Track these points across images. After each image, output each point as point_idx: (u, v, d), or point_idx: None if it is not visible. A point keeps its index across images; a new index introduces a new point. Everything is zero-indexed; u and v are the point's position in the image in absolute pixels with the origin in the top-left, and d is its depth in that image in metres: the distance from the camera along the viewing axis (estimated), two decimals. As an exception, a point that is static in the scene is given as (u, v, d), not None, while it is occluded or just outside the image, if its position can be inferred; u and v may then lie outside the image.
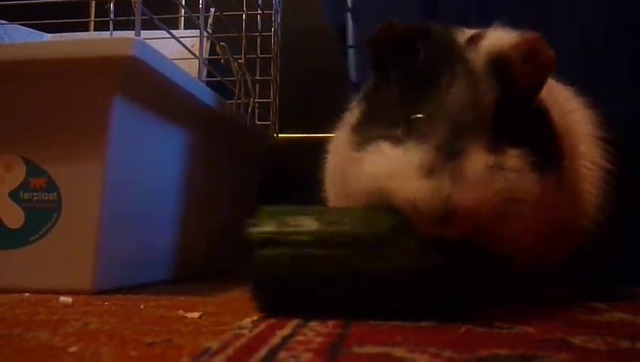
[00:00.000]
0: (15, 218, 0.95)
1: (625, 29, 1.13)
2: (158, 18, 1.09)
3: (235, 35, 1.51)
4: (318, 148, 0.98)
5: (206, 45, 1.57)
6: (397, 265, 0.67)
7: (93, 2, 1.81)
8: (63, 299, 0.82)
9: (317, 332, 0.58)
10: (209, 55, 1.64)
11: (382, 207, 0.69)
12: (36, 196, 0.95)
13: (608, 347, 0.54)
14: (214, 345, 0.51)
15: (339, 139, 0.85)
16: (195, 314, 0.70)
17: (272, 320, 0.65)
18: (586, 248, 0.85)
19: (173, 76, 1.03)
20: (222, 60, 1.34)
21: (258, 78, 1.62)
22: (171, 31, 1.19)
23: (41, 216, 0.94)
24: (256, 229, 0.70)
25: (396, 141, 0.69)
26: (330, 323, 0.64)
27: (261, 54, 1.65)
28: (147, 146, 1.06)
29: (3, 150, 0.96)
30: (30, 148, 0.95)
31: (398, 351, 0.49)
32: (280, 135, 1.67)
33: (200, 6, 1.29)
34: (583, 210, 0.85)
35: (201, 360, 0.45)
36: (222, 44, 1.32)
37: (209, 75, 1.48)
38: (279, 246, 0.69)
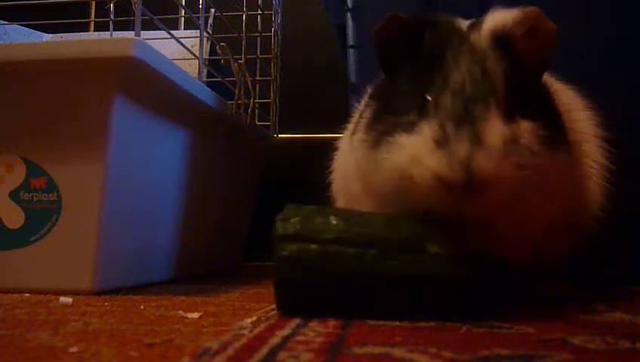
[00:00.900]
0: (15, 218, 0.96)
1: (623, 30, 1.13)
2: (158, 18, 1.09)
3: (235, 35, 1.52)
4: (319, 149, 0.98)
5: (206, 45, 1.58)
6: (421, 271, 0.67)
7: (94, 3, 1.81)
8: (63, 299, 0.82)
9: (317, 332, 0.58)
10: (209, 55, 1.64)
11: (405, 214, 0.70)
12: (36, 196, 0.95)
13: (608, 347, 0.54)
14: (215, 345, 0.51)
15: (351, 141, 0.84)
16: (196, 315, 0.70)
17: (272, 321, 0.65)
18: (588, 246, 0.85)
19: (174, 76, 1.03)
20: (222, 61, 1.34)
21: (258, 78, 1.62)
22: (171, 31, 1.19)
23: (41, 216, 0.94)
24: (281, 225, 0.70)
25: (410, 127, 0.69)
26: (331, 323, 0.64)
27: (261, 54, 1.65)
28: (147, 147, 1.06)
29: (3, 150, 0.96)
30: (30, 149, 0.96)
31: (399, 352, 0.49)
32: (280, 135, 1.67)
33: (200, 6, 1.29)
34: (585, 207, 0.85)
35: (201, 361, 0.45)
36: (222, 44, 1.32)
37: (209, 75, 1.48)
38: (305, 242, 0.69)
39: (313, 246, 0.68)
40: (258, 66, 1.65)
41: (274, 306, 0.73)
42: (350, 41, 1.29)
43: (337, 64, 1.52)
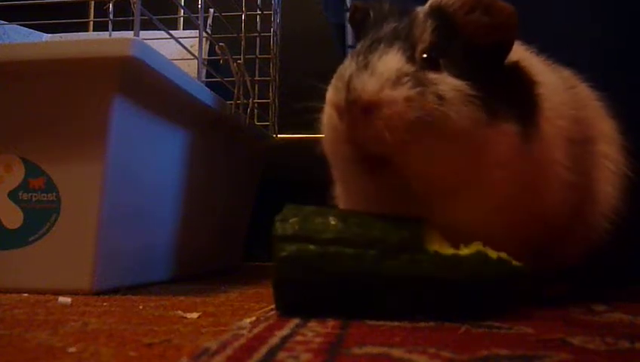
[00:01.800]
0: (14, 218, 0.95)
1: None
2: (157, 18, 1.09)
3: (235, 35, 1.52)
4: (318, 149, 0.98)
5: (205, 46, 1.58)
6: (420, 271, 0.68)
7: (93, 3, 1.81)
8: (61, 299, 0.82)
9: (316, 332, 0.58)
10: (208, 55, 1.64)
11: (405, 217, 0.71)
12: (35, 196, 0.95)
13: (607, 347, 0.54)
14: (213, 345, 0.51)
15: None
16: (195, 315, 0.70)
17: (271, 321, 0.65)
18: (601, 248, 0.85)
19: (173, 76, 1.03)
20: (221, 61, 1.34)
21: (257, 78, 1.62)
22: (170, 31, 1.19)
23: (40, 216, 0.94)
24: (280, 225, 0.70)
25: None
26: (330, 323, 0.64)
27: (260, 55, 1.65)
28: (146, 146, 1.06)
29: (2, 150, 0.96)
30: (29, 149, 0.95)
31: (397, 352, 0.49)
32: (279, 135, 1.67)
33: (199, 6, 1.29)
34: (600, 209, 0.86)
35: (200, 361, 0.45)
36: (221, 44, 1.32)
37: (208, 75, 1.48)
38: (304, 243, 0.69)
39: (312, 246, 0.68)
40: (257, 66, 1.64)
41: (273, 306, 0.73)
42: (349, 40, 1.29)
43: (337, 64, 1.51)
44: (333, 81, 0.72)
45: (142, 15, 1.01)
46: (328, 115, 0.72)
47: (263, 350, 0.49)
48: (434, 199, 0.72)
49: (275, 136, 1.65)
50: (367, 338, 0.56)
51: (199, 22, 1.28)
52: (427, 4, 0.76)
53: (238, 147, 1.48)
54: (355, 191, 0.81)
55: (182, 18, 1.90)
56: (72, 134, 0.94)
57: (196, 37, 1.30)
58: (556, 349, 0.52)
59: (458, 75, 0.70)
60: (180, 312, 0.73)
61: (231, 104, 1.32)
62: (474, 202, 0.73)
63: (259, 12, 1.66)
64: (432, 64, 0.71)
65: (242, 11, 1.57)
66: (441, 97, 0.68)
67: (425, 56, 0.71)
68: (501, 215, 0.73)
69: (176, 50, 1.31)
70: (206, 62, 1.50)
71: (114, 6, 1.61)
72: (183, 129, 1.19)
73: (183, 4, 1.71)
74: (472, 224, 0.72)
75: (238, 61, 1.37)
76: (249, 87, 1.40)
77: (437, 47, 0.72)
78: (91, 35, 1.82)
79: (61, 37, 1.78)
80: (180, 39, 1.23)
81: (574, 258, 0.86)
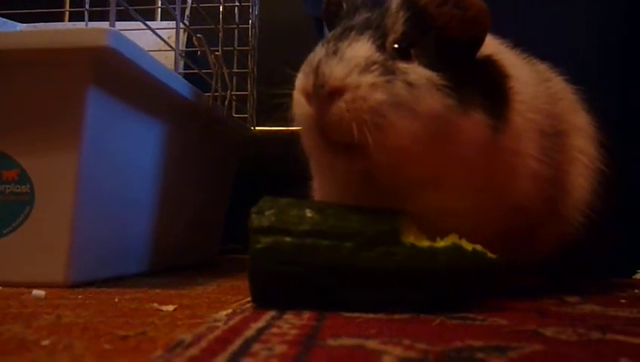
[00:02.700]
0: (-13, 210, 0.94)
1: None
2: (133, 9, 1.08)
3: (212, 27, 1.50)
4: (295, 141, 0.98)
5: (183, 37, 1.56)
6: (396, 263, 0.68)
7: (69, -8, 1.78)
8: (35, 292, 0.81)
9: (292, 324, 0.58)
10: (186, 47, 1.62)
11: (382, 209, 0.71)
12: (8, 188, 0.93)
13: (579, 338, 0.55)
14: (188, 337, 0.51)
15: None
16: (170, 307, 0.70)
17: (247, 313, 0.65)
18: (575, 239, 0.87)
19: (149, 67, 1.02)
20: (199, 52, 1.33)
21: (235, 70, 1.61)
22: (147, 22, 1.18)
23: (13, 208, 0.93)
24: (257, 217, 0.70)
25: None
26: (305, 315, 0.64)
27: (239, 46, 1.64)
28: (122, 138, 1.05)
29: (-26, 141, 0.95)
30: (2, 140, 0.94)
31: (372, 343, 0.50)
32: (257, 128, 1.67)
33: (177, -3, 1.28)
34: (574, 202, 0.87)
35: (174, 353, 0.45)
36: (198, 35, 1.31)
37: (186, 67, 1.46)
38: (280, 235, 0.69)
39: (288, 238, 0.69)
40: (235, 58, 1.64)
41: (249, 299, 0.73)
42: (327, 34, 1.29)
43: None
44: (302, 67, 0.73)
45: (118, 5, 1.00)
46: (297, 100, 0.73)
47: (238, 342, 0.49)
48: (401, 189, 0.72)
49: (252, 128, 1.65)
50: (343, 330, 0.56)
51: (177, 13, 1.27)
52: None
53: (216, 139, 1.47)
54: (329, 180, 0.81)
55: (159, 9, 1.88)
56: (47, 125, 0.93)
57: (173, 28, 1.29)
58: (529, 340, 0.53)
59: (429, 66, 0.71)
60: (155, 305, 0.72)
61: (208, 96, 1.32)
62: (442, 192, 0.73)
63: (237, 4, 1.65)
64: (403, 54, 0.72)
65: (220, 3, 1.56)
66: (410, 85, 0.69)
67: (396, 46, 0.72)
68: (469, 204, 0.74)
69: (154, 41, 1.30)
70: (183, 54, 1.48)
71: (90, -4, 1.59)
72: (159, 120, 1.18)
73: (160, -6, 1.70)
74: (441, 214, 0.72)
75: (216, 53, 1.36)
76: (227, 79, 1.39)
77: (408, 38, 0.73)
78: (67, 25, 1.80)
79: (36, 27, 1.76)
80: (157, 30, 1.22)
81: (548, 250, 0.87)
